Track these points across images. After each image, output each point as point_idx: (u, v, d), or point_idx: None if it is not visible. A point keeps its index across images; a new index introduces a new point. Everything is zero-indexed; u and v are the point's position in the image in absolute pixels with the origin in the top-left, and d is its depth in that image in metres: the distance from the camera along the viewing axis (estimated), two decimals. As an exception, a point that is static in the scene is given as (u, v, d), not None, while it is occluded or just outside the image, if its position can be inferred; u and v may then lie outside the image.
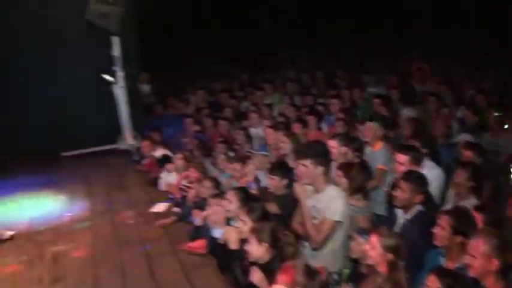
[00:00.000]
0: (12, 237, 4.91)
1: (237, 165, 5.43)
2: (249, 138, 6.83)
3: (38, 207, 6.03)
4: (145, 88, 10.39)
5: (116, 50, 8.10)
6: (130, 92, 8.50)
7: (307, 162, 3.69)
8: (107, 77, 8.07)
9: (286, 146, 5.34)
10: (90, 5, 7.38)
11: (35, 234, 5.14)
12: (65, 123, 8.44)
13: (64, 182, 6.89)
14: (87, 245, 4.67)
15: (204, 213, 4.43)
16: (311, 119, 6.62)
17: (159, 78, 11.01)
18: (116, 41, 8.07)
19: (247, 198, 4.10)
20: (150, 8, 9.24)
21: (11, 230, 5.06)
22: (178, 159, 6.04)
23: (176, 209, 5.41)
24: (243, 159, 5.62)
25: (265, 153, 5.69)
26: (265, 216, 3.83)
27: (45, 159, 7.97)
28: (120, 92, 8.23)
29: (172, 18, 13.02)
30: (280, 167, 4.56)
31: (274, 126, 6.21)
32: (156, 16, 11.02)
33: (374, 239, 3.18)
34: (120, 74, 8.20)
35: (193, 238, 4.52)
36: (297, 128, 6.22)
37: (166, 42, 12.87)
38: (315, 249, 3.73)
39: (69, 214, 5.65)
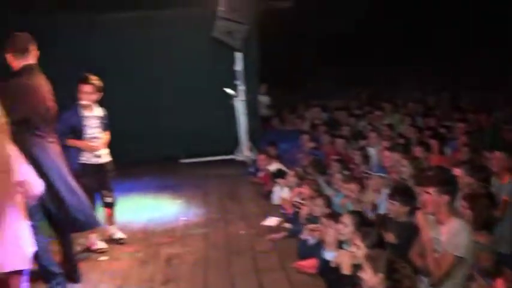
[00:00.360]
0: (122, 240, 5.16)
1: (352, 186, 5.25)
2: (366, 158, 6.62)
3: (155, 209, 6.36)
4: (264, 99, 10.58)
5: (239, 65, 8.40)
6: (250, 105, 8.75)
7: (432, 189, 3.43)
8: (229, 91, 8.37)
9: (405, 169, 5.08)
10: (217, 23, 7.72)
11: (150, 234, 5.42)
12: (186, 132, 8.87)
13: (181, 188, 7.23)
14: (200, 251, 4.79)
15: (316, 232, 4.33)
16: (434, 143, 6.25)
17: (276, 92, 11.17)
18: (239, 57, 8.37)
19: (362, 223, 3.94)
20: (271, 24, 9.42)
21: (124, 232, 5.33)
22: (291, 176, 6.02)
23: (287, 225, 5.37)
24: (359, 179, 5.45)
25: (383, 174, 5.46)
26: (380, 243, 3.64)
27: (166, 165, 8.47)
28: (240, 105, 8.49)
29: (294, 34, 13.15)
30: (402, 193, 4.31)
31: (392, 148, 5.96)
32: (275, 31, 11.19)
33: (499, 283, 2.83)
34: (241, 87, 8.47)
35: (303, 256, 4.43)
36: (418, 151, 5.90)
37: (285, 56, 13.01)
38: (432, 286, 3.45)
39: (184, 219, 5.87)
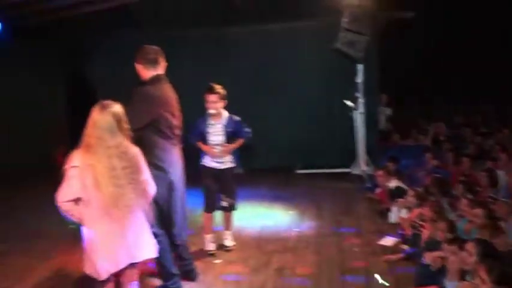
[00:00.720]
0: (228, 248, 5.24)
1: (478, 211, 4.85)
2: (493, 181, 6.09)
3: (269, 218, 6.43)
4: (387, 111, 10.25)
5: (360, 77, 8.24)
6: (369, 118, 8.54)
7: None
8: (348, 103, 8.24)
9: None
10: (340, 34, 7.65)
11: (263, 242, 5.46)
12: (303, 143, 8.91)
13: (295, 199, 7.23)
14: (312, 264, 4.73)
15: (438, 259, 4.05)
16: None
17: (398, 105, 10.76)
18: (360, 68, 8.22)
19: (489, 254, 3.59)
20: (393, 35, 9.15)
21: (237, 239, 5.45)
22: (411, 196, 5.72)
23: (405, 246, 5.10)
24: (485, 204, 5.02)
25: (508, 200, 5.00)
26: (509, 279, 3.29)
27: (281, 175, 8.55)
28: (359, 118, 8.32)
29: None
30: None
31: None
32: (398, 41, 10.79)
33: None
34: (361, 100, 8.29)
35: (421, 282, 4.16)
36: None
37: (409, 68, 12.48)
38: None
39: (297, 230, 5.85)
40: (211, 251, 5.12)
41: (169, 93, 4.14)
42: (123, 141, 3.10)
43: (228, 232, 5.36)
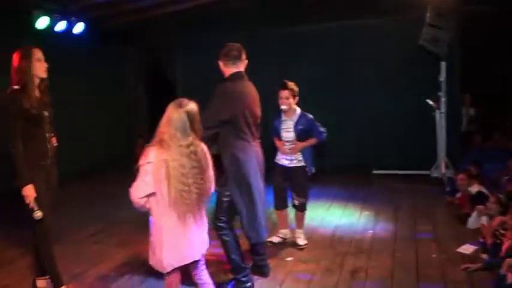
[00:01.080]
0: (301, 247, 5.24)
1: None
2: None
3: (343, 218, 6.37)
4: (470, 111, 9.82)
5: (442, 75, 7.95)
6: (450, 118, 8.22)
7: None
8: (430, 102, 7.98)
9: None
10: (424, 30, 7.40)
11: (337, 243, 5.42)
12: (381, 142, 8.75)
13: (371, 200, 7.13)
14: (386, 268, 4.63)
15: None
16: None
17: (481, 106, 10.24)
18: (443, 66, 7.92)
19: None
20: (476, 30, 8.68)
21: (311, 238, 5.48)
22: (493, 202, 5.45)
23: (484, 255, 4.88)
24: None
25: None
26: None
27: (358, 174, 8.44)
28: (440, 118, 8.03)
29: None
30: None
31: None
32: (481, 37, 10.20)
33: None
34: (443, 99, 8.00)
35: (500, 294, 3.99)
36: None
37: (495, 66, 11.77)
38: None
39: (372, 232, 5.76)
40: (272, 242, 5.26)
41: (249, 89, 4.20)
42: (194, 141, 3.14)
43: (299, 231, 5.38)
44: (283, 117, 5.17)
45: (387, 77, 8.79)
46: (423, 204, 6.85)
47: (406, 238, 5.49)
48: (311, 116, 5.16)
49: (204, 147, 3.27)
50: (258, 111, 4.26)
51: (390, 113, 8.85)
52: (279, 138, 5.20)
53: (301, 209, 5.29)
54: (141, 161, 3.13)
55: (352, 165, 8.83)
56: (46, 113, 3.87)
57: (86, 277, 4.51)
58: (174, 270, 3.26)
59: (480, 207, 5.55)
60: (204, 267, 3.44)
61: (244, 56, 4.18)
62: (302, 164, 5.17)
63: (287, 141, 5.15)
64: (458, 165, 7.86)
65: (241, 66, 4.19)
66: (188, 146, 3.10)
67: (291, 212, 5.49)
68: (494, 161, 7.58)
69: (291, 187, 5.27)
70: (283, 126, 5.15)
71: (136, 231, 5.78)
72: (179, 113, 3.10)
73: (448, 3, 7.40)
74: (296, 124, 5.10)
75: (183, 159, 3.08)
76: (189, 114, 3.12)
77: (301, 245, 5.27)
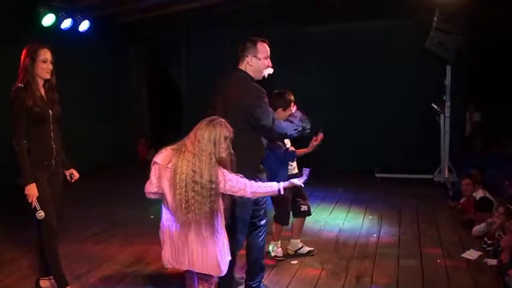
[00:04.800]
0: (311, 252, 5.16)
1: None
2: None
3: (347, 221, 6.35)
4: (475, 116, 9.80)
5: (447, 79, 7.93)
6: (455, 123, 8.21)
7: None
8: (435, 106, 7.96)
9: None
10: (431, 34, 7.38)
11: (341, 247, 5.39)
12: (385, 145, 8.74)
13: (375, 204, 7.12)
14: (391, 274, 4.60)
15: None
16: None
17: (487, 111, 10.22)
18: (448, 70, 7.91)
19: None
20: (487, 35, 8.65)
21: (315, 241, 5.45)
22: (501, 214, 5.36)
23: (490, 260, 4.86)
24: None
25: None
26: None
27: (361, 177, 8.42)
28: (444, 122, 8.02)
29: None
30: None
31: None
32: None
33: None
34: (448, 103, 7.99)
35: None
36: None
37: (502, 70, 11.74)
38: None
39: (376, 236, 5.74)
40: (278, 257, 5.01)
41: (227, 85, 3.90)
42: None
43: (299, 240, 5.18)
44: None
45: (392, 80, 8.78)
46: (427, 208, 6.84)
47: (410, 243, 5.48)
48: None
49: (218, 172, 3.10)
50: (224, 108, 3.87)
51: (394, 116, 8.84)
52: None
53: (309, 213, 5.15)
54: (154, 158, 3.15)
55: (355, 169, 8.82)
56: (51, 112, 3.83)
57: (89, 277, 4.47)
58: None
59: (490, 220, 5.48)
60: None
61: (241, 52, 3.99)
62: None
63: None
64: (461, 169, 7.84)
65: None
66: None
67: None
68: (497, 166, 7.56)
69: (294, 195, 4.97)
70: None
71: (140, 231, 5.76)
72: (207, 130, 3.07)
73: (456, 7, 7.37)
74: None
75: (189, 171, 3.02)
76: (214, 135, 3.07)
77: (312, 250, 5.16)
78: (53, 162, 3.87)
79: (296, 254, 5.12)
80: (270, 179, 3.85)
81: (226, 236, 3.27)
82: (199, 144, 3.04)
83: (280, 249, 5.08)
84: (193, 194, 3.01)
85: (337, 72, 9.16)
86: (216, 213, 3.09)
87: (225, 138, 3.10)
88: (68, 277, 4.05)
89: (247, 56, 3.90)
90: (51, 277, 4.03)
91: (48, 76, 3.80)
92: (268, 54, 3.98)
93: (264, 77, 3.96)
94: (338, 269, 4.73)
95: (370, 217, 6.50)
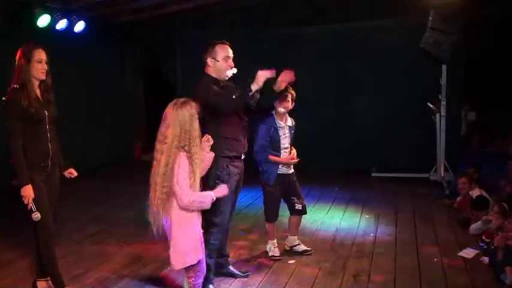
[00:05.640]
0: (306, 251, 5.15)
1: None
2: None
3: (344, 220, 6.36)
4: (470, 115, 9.84)
5: (443, 78, 7.96)
6: (451, 122, 8.24)
7: None
8: (431, 106, 8.00)
9: None
10: (426, 33, 7.41)
11: (338, 246, 5.40)
12: (381, 144, 8.76)
13: (371, 203, 7.14)
14: (388, 272, 4.61)
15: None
16: None
17: (482, 110, 10.27)
18: (444, 69, 7.94)
19: None
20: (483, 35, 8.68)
21: (312, 240, 5.46)
22: (495, 213, 5.38)
23: (486, 259, 4.88)
24: None
25: None
26: None
27: (357, 177, 8.44)
28: (440, 121, 8.05)
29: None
30: None
31: None
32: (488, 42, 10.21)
33: None
34: (443, 102, 8.02)
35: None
36: None
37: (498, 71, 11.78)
38: None
39: (373, 235, 5.75)
40: (276, 256, 4.99)
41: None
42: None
43: (296, 237, 5.20)
44: (280, 124, 4.86)
45: (388, 80, 8.82)
46: (423, 207, 6.88)
47: (407, 242, 5.49)
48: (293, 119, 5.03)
49: (181, 158, 3.16)
50: None
51: (390, 115, 8.87)
52: (276, 148, 4.84)
53: (304, 211, 5.13)
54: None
55: (351, 168, 8.83)
56: (47, 112, 3.82)
57: (86, 278, 4.46)
58: None
59: (485, 217, 5.50)
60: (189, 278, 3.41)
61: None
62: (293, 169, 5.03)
63: (285, 148, 4.88)
64: (457, 168, 7.88)
65: None
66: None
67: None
68: (493, 165, 7.61)
69: (289, 193, 4.98)
70: (281, 133, 4.85)
71: (137, 231, 5.73)
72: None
73: (451, 7, 7.40)
74: (291, 128, 4.92)
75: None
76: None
77: (308, 250, 5.15)
78: (50, 163, 3.86)
79: (292, 251, 5.14)
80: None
81: (190, 234, 3.29)
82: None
83: (277, 248, 5.07)
84: (156, 177, 3.14)
85: (334, 72, 9.18)
86: (171, 200, 3.16)
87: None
88: (65, 278, 4.04)
89: (207, 59, 4.07)
90: (48, 278, 4.02)
91: (43, 77, 3.80)
92: (229, 55, 4.09)
93: (227, 77, 4.08)
94: (335, 268, 4.74)
95: (367, 216, 6.51)
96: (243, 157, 4.21)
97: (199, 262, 3.33)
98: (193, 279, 3.36)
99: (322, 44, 9.18)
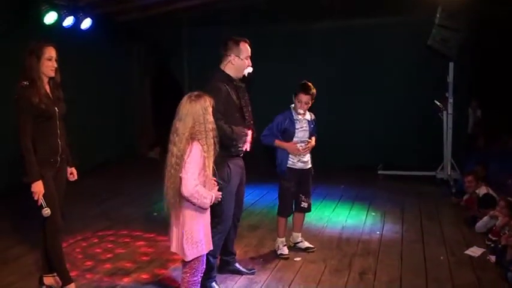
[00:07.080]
0: (309, 248, 5.15)
1: None
2: None
3: (350, 218, 6.36)
4: (477, 113, 9.81)
5: (450, 76, 7.92)
6: (457, 120, 8.21)
7: None
8: (438, 103, 7.96)
9: None
10: (433, 30, 7.38)
11: (344, 243, 5.39)
12: (387, 142, 8.74)
13: (378, 200, 7.13)
14: (394, 270, 4.60)
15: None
16: None
17: (489, 107, 10.22)
18: (451, 67, 7.90)
19: None
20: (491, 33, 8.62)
21: (317, 238, 5.46)
22: (502, 208, 5.37)
23: (493, 257, 4.86)
24: None
25: None
26: None
27: (364, 174, 8.42)
28: (447, 119, 8.01)
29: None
30: None
31: None
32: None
33: None
34: (451, 100, 7.98)
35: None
36: None
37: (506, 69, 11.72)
38: None
39: (379, 233, 5.74)
40: (284, 255, 4.95)
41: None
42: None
43: (300, 234, 5.21)
44: (297, 116, 4.87)
45: (395, 77, 8.79)
46: (429, 205, 6.86)
47: (413, 240, 5.48)
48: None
49: (193, 147, 3.16)
50: None
51: (397, 113, 8.86)
52: (289, 139, 4.86)
53: (309, 210, 5.13)
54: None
55: (357, 166, 8.82)
56: (57, 109, 3.84)
57: (93, 274, 4.47)
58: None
59: (492, 212, 5.48)
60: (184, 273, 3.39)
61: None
62: (311, 164, 5.06)
63: (302, 142, 4.87)
64: (464, 166, 7.84)
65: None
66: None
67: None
68: (500, 163, 7.57)
69: (299, 190, 4.98)
70: (298, 125, 4.86)
71: (143, 228, 5.77)
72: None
73: (458, 4, 7.36)
74: (310, 122, 4.92)
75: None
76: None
77: (312, 247, 5.14)
78: (59, 159, 3.88)
79: (295, 247, 5.15)
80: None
81: (202, 225, 3.29)
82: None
83: (285, 247, 5.04)
84: (170, 168, 3.16)
85: (340, 70, 9.16)
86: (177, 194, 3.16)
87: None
88: (71, 273, 4.06)
89: (229, 56, 4.02)
90: (55, 274, 4.04)
91: (52, 74, 3.82)
92: (249, 54, 4.08)
93: (244, 75, 4.08)
94: (341, 266, 4.73)
95: (373, 214, 6.51)
96: (243, 152, 4.19)
97: (197, 258, 3.33)
98: (188, 275, 3.34)
99: (328, 42, 9.16)
